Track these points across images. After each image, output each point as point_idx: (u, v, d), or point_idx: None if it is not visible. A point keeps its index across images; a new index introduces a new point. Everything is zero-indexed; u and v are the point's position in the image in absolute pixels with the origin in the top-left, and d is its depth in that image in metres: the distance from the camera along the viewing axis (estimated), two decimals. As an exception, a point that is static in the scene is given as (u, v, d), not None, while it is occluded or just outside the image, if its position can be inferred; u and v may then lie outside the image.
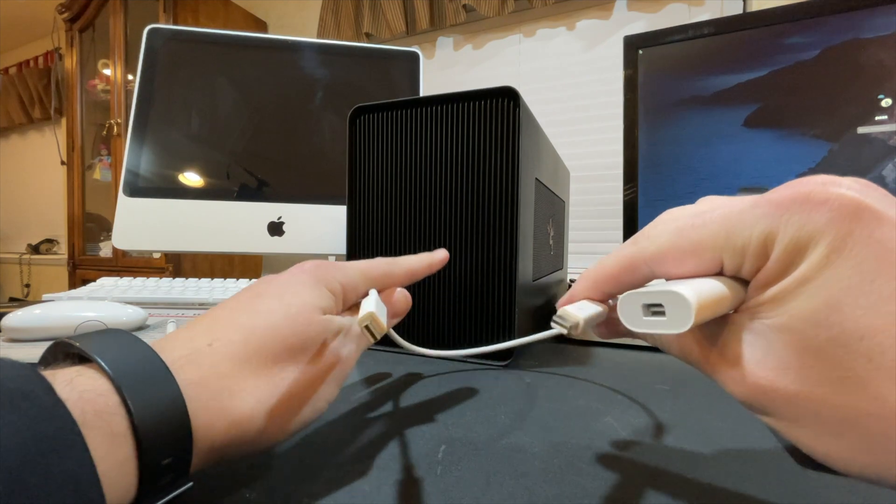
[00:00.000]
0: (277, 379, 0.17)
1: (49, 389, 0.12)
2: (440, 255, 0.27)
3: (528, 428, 0.24)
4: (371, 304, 0.20)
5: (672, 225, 0.16)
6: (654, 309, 0.15)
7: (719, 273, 0.15)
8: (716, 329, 0.15)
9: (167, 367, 0.15)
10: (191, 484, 0.15)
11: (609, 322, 0.20)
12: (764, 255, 0.14)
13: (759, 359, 0.13)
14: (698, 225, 0.15)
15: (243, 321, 0.18)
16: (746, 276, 0.14)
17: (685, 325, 0.14)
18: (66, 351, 0.15)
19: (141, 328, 0.44)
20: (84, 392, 0.13)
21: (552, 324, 0.18)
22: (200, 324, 0.18)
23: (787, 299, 0.13)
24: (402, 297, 0.25)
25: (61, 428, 0.11)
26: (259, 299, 0.19)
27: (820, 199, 0.12)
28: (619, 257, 0.17)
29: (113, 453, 0.12)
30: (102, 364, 0.13)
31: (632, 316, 0.15)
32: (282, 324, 0.18)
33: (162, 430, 0.14)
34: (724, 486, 0.19)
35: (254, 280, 0.23)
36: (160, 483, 0.14)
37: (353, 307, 0.23)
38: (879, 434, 0.11)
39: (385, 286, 0.25)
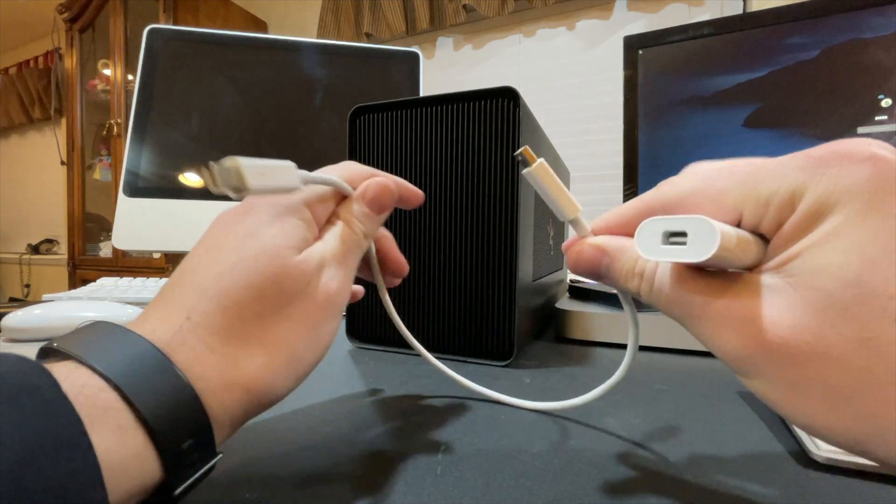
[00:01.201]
0: (271, 336, 0.16)
1: (54, 386, 0.12)
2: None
3: (528, 428, 0.24)
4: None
5: (699, 171, 0.15)
6: (675, 239, 0.14)
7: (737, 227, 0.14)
8: (725, 282, 0.14)
9: (162, 354, 0.14)
10: (220, 455, 0.15)
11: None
12: (789, 208, 0.13)
13: (773, 316, 0.13)
14: (725, 173, 0.15)
15: (210, 285, 0.16)
16: (766, 232, 0.14)
17: (707, 253, 0.13)
18: (54, 353, 0.15)
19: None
20: (85, 387, 0.12)
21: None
22: (170, 294, 0.16)
23: (814, 254, 0.12)
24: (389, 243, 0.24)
25: (65, 426, 0.11)
26: (220, 252, 0.17)
27: (863, 157, 0.12)
28: (637, 201, 0.17)
29: (124, 445, 0.12)
30: (91, 363, 0.13)
31: (649, 243, 0.15)
32: (253, 280, 0.16)
33: (175, 417, 0.13)
34: (724, 487, 0.19)
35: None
36: (187, 463, 0.14)
37: (330, 220, 0.20)
38: (890, 402, 0.11)
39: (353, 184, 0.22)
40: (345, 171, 0.21)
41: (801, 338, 0.12)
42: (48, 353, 0.14)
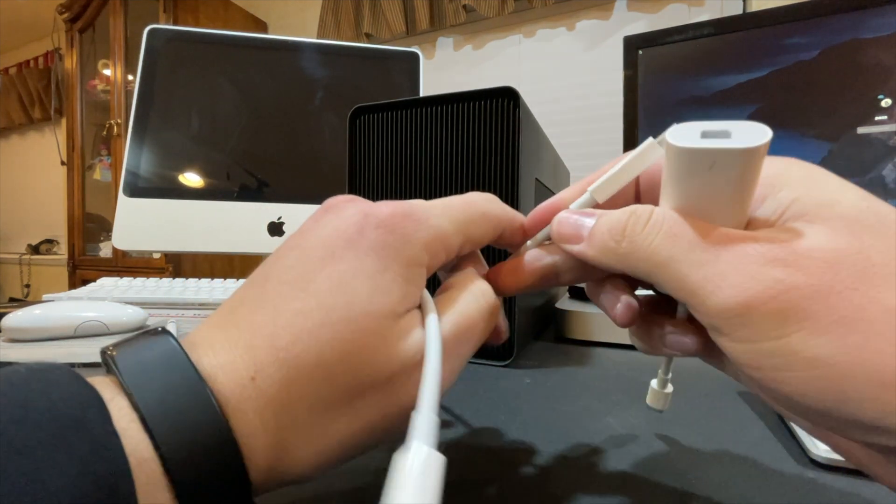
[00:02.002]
0: (331, 428, 0.13)
1: (106, 418, 0.11)
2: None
3: (528, 428, 0.24)
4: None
5: None
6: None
7: None
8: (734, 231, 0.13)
9: (219, 416, 0.12)
10: None
11: None
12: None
13: (804, 246, 0.12)
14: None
15: (285, 343, 0.13)
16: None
17: (761, 140, 0.11)
18: (108, 366, 0.13)
19: (141, 328, 0.44)
20: (136, 448, 0.11)
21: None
22: (243, 325, 0.13)
23: (815, 195, 0.13)
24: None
25: (114, 472, 0.10)
26: (307, 295, 0.13)
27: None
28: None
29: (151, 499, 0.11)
30: (145, 416, 0.11)
31: (685, 136, 0.12)
32: (333, 359, 0.13)
33: (209, 494, 0.12)
34: (724, 486, 0.19)
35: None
36: None
37: (460, 281, 0.17)
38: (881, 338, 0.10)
39: (486, 234, 0.18)
40: (481, 221, 0.17)
41: (835, 257, 0.11)
42: (103, 358, 0.13)
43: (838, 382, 0.11)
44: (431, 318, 0.15)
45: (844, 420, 0.11)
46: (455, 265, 0.18)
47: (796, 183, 0.13)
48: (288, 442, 0.13)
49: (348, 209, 0.15)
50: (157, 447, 0.11)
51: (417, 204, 0.16)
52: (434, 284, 0.17)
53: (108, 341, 0.13)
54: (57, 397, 0.11)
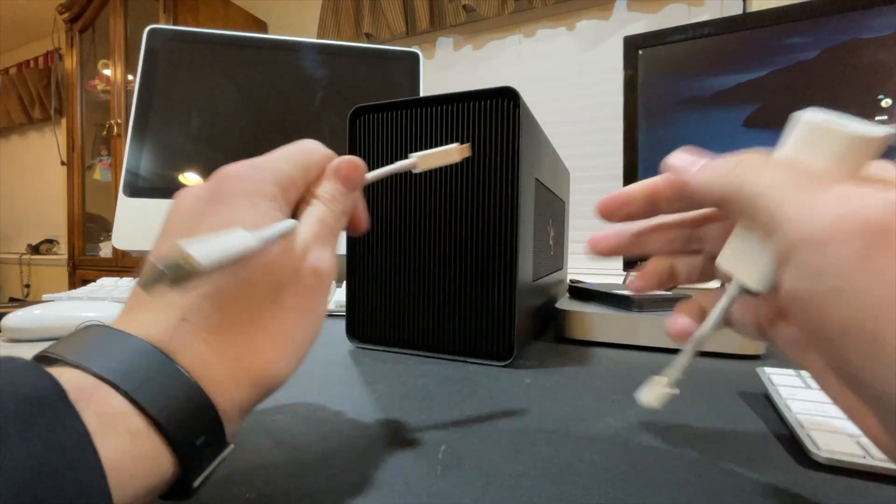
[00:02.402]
0: (271, 326, 0.17)
1: (63, 395, 0.12)
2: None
3: (527, 428, 0.24)
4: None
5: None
6: None
7: None
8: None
9: (165, 356, 0.14)
10: (232, 446, 0.16)
11: None
12: None
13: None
14: None
15: (201, 282, 0.15)
16: None
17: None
18: (53, 361, 0.14)
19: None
20: (94, 395, 0.13)
21: None
22: (151, 301, 0.16)
23: None
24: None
25: (75, 440, 0.11)
26: None
27: None
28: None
29: (137, 449, 0.13)
30: (95, 370, 0.13)
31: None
32: (244, 274, 0.16)
33: (186, 417, 0.14)
34: (724, 487, 0.19)
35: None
36: (201, 457, 0.14)
37: (305, 200, 0.20)
38: None
39: (318, 167, 0.21)
40: (304, 156, 0.21)
41: None
42: (44, 360, 0.14)
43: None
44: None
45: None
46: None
47: None
48: (241, 351, 0.16)
49: (196, 188, 0.18)
50: (115, 387, 0.13)
51: (259, 158, 0.19)
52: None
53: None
54: (19, 381, 0.12)
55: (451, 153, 0.24)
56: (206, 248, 0.13)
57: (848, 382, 0.13)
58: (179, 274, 0.13)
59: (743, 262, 0.17)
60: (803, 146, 0.15)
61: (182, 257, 0.13)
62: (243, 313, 0.16)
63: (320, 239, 0.19)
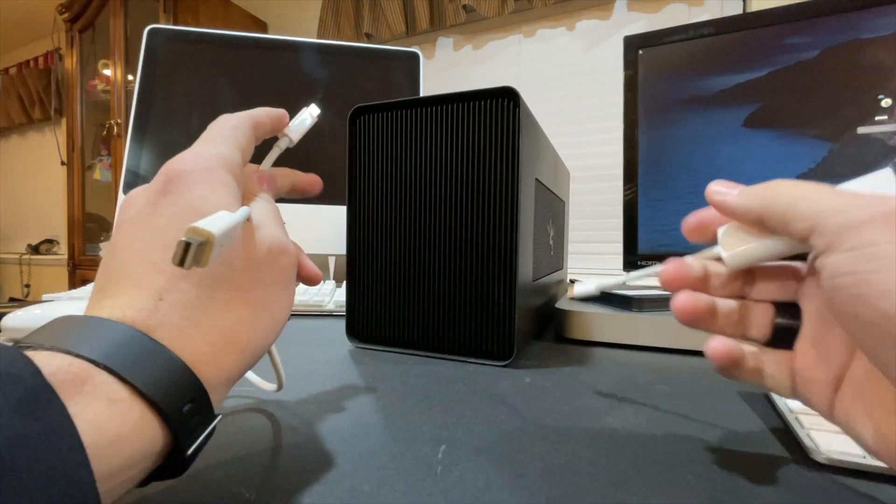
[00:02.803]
0: (251, 299, 0.18)
1: (36, 372, 0.12)
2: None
3: (527, 428, 0.24)
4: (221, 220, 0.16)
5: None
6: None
7: None
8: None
9: (141, 333, 0.14)
10: (220, 416, 0.16)
11: None
12: None
13: None
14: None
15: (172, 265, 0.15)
16: None
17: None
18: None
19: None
20: (70, 369, 0.13)
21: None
22: (123, 277, 0.16)
23: None
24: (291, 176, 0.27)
25: (50, 411, 0.11)
26: (162, 232, 0.17)
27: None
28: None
29: (120, 416, 0.13)
30: (72, 350, 0.13)
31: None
32: (222, 252, 0.16)
33: (169, 385, 0.14)
34: (724, 487, 0.19)
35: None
36: (190, 425, 0.15)
37: (247, 197, 0.22)
38: None
39: (248, 141, 0.23)
40: (235, 135, 0.22)
41: None
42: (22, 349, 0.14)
43: None
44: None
45: None
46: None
47: None
48: (223, 323, 0.17)
49: (143, 185, 0.19)
50: (94, 363, 0.13)
51: (198, 146, 0.20)
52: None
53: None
54: None
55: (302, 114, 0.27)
56: (209, 222, 0.15)
57: (885, 369, 0.14)
58: (201, 248, 0.14)
59: (731, 242, 0.19)
60: (861, 182, 0.17)
61: (196, 232, 0.14)
62: (221, 289, 0.17)
63: (276, 223, 0.21)
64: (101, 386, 0.13)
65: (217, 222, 0.15)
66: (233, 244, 0.17)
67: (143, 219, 0.17)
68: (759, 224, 0.18)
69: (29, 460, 0.10)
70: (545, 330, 0.49)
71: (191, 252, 0.14)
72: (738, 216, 0.19)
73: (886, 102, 0.46)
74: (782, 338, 0.19)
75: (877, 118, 0.46)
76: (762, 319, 0.20)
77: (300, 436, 0.23)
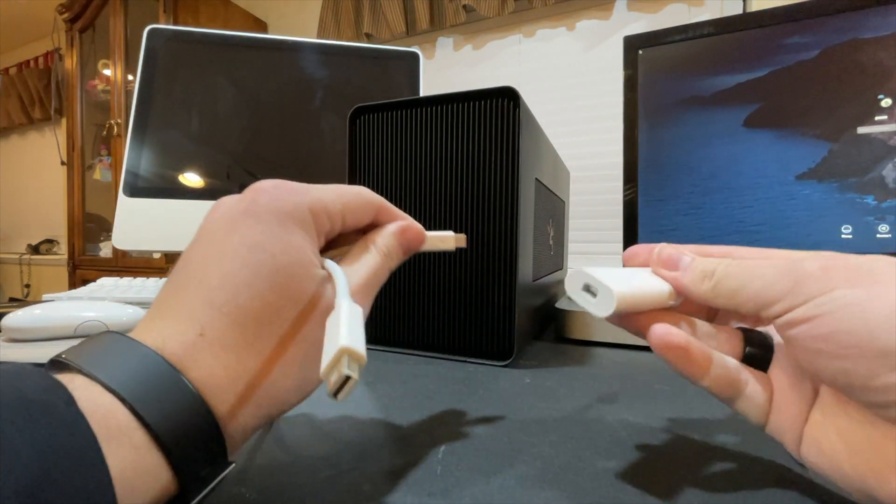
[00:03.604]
0: (287, 355, 0.16)
1: (70, 401, 0.12)
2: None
3: (528, 428, 0.24)
4: (342, 318, 0.15)
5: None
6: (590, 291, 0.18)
7: None
8: None
9: (175, 370, 0.14)
10: (233, 465, 0.15)
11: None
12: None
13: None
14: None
15: (225, 300, 0.15)
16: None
17: (606, 312, 0.17)
18: (64, 366, 0.14)
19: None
20: (99, 406, 0.13)
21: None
22: (175, 303, 0.16)
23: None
24: (411, 231, 0.22)
25: (80, 443, 0.11)
26: (230, 262, 0.16)
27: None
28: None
29: (139, 464, 0.13)
30: (104, 380, 0.13)
31: (571, 287, 0.19)
32: (271, 298, 0.16)
33: (189, 436, 0.14)
34: (724, 486, 0.19)
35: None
36: (201, 476, 0.14)
37: (362, 244, 0.20)
38: None
39: (364, 209, 0.21)
40: (349, 194, 0.20)
41: None
42: (57, 365, 0.14)
43: (868, 321, 0.13)
44: (328, 261, 0.18)
45: (873, 355, 0.13)
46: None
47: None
48: (252, 373, 0.15)
49: (234, 197, 0.18)
50: (121, 399, 0.13)
51: (297, 183, 0.19)
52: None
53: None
54: (23, 386, 0.12)
55: (447, 240, 0.23)
56: (352, 338, 0.15)
57: (867, 402, 0.14)
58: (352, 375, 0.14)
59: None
60: None
61: (355, 357, 0.14)
62: (263, 336, 0.16)
63: (367, 287, 0.19)
64: (126, 430, 0.13)
65: (357, 337, 0.15)
66: (290, 292, 0.16)
67: (218, 238, 0.17)
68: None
69: (57, 495, 0.10)
70: (545, 330, 0.49)
71: (349, 386, 0.14)
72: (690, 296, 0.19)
73: (886, 102, 0.46)
74: (755, 365, 0.18)
75: (877, 118, 0.46)
76: (732, 349, 0.19)
77: (300, 436, 0.23)
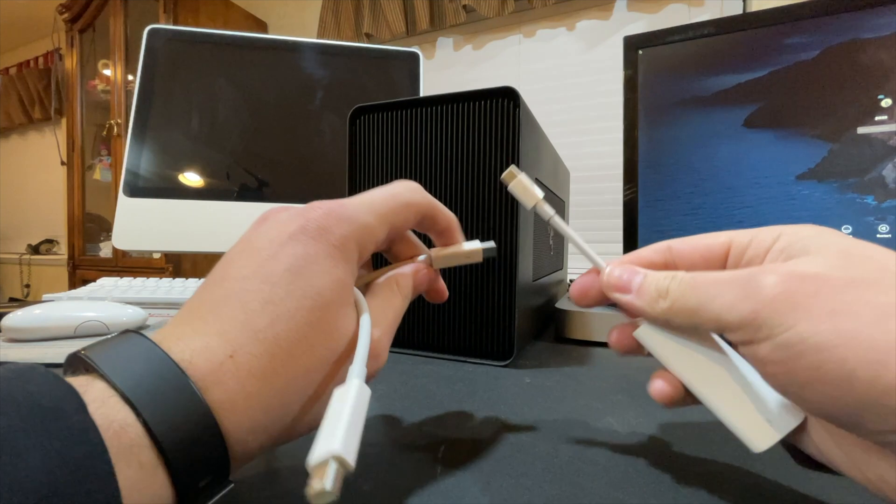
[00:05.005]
0: (309, 389, 0.16)
1: (82, 409, 0.12)
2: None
3: (527, 428, 0.24)
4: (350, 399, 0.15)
5: None
6: None
7: None
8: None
9: (196, 392, 0.14)
10: (232, 485, 0.15)
11: None
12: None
13: (800, 267, 0.15)
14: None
15: (262, 326, 0.15)
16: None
17: None
18: (82, 364, 0.14)
19: (141, 328, 0.44)
20: (113, 421, 0.12)
21: None
22: (211, 316, 0.16)
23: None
24: (423, 275, 0.23)
25: (91, 454, 0.11)
26: (272, 285, 0.16)
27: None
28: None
29: (144, 483, 0.12)
30: (122, 389, 0.13)
31: None
32: (308, 333, 0.16)
33: (197, 458, 0.13)
34: (724, 486, 0.19)
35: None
36: (202, 496, 0.14)
37: (387, 282, 0.21)
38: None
39: (408, 221, 0.21)
40: (396, 205, 0.20)
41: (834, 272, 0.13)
42: (77, 362, 0.14)
43: (841, 364, 0.12)
44: (360, 297, 0.19)
45: (853, 401, 0.12)
46: (390, 247, 0.23)
47: (805, 231, 0.16)
48: (271, 404, 0.15)
49: (285, 213, 0.18)
50: (137, 413, 0.12)
51: (347, 203, 0.18)
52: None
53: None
54: (34, 391, 0.12)
55: (473, 254, 0.23)
56: (349, 445, 0.14)
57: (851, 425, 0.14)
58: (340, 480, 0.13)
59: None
60: None
61: (342, 463, 0.14)
62: (290, 367, 0.15)
63: (393, 328, 0.20)
64: (136, 448, 0.12)
65: (352, 440, 0.14)
66: (328, 329, 0.16)
67: (263, 256, 0.16)
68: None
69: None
70: (545, 330, 0.49)
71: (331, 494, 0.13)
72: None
73: (886, 102, 0.46)
74: None
75: (877, 118, 0.46)
76: None
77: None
